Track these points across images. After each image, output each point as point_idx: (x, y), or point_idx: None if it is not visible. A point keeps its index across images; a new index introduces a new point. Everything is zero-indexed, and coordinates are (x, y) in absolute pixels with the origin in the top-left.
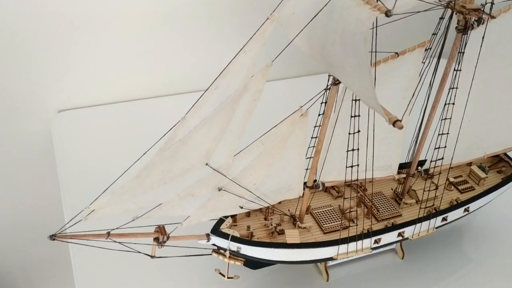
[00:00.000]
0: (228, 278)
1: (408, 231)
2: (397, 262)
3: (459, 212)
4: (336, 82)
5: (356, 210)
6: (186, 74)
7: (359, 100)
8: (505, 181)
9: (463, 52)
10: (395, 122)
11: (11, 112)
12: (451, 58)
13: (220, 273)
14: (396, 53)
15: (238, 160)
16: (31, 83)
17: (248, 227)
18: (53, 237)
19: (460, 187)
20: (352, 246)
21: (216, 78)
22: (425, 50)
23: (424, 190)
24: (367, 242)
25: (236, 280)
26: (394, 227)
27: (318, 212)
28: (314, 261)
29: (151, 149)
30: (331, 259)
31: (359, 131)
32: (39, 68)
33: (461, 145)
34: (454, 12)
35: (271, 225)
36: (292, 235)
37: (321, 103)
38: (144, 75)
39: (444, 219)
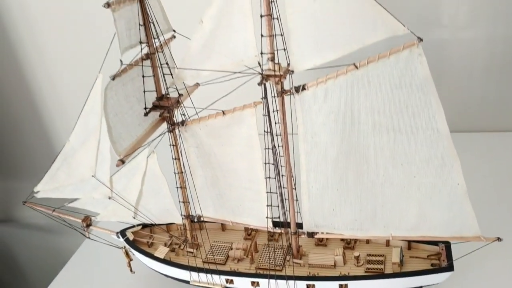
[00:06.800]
0: (131, 271)
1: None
2: None
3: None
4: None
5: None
6: None
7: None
8: (404, 274)
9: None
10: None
11: None
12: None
13: (128, 266)
14: (223, 112)
15: (116, 179)
16: None
17: (150, 237)
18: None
19: (368, 266)
20: (202, 277)
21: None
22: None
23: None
24: (217, 278)
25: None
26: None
27: (215, 244)
28: (178, 280)
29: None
30: (188, 282)
31: (181, 172)
32: None
33: (341, 214)
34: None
35: (168, 242)
36: (161, 251)
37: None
38: None
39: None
